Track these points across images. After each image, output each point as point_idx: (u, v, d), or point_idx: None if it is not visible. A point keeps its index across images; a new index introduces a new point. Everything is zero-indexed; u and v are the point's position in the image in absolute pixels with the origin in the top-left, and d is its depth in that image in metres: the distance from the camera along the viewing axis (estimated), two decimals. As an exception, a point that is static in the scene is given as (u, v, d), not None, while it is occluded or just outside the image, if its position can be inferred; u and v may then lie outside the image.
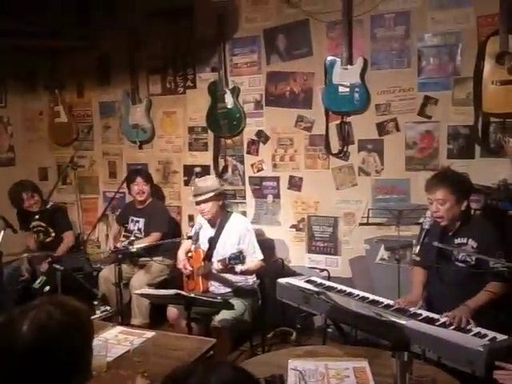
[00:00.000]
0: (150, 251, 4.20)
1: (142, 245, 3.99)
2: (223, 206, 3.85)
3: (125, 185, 4.78)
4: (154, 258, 4.26)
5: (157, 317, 4.14)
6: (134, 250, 3.71)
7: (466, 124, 3.69)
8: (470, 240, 2.93)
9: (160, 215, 4.54)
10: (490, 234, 2.93)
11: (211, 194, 3.66)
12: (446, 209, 2.90)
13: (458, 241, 2.98)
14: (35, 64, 5.54)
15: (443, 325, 2.62)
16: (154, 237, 4.35)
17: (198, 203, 3.71)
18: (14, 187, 4.72)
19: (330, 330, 3.69)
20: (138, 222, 4.57)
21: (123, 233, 4.61)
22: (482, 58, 3.46)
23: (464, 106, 3.68)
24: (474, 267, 2.88)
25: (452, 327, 2.58)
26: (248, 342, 3.91)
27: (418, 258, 3.17)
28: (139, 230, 4.54)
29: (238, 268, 3.46)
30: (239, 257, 3.32)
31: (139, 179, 4.53)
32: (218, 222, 3.77)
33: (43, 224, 4.73)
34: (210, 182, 3.78)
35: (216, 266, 3.43)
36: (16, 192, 4.68)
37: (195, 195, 3.72)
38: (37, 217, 4.62)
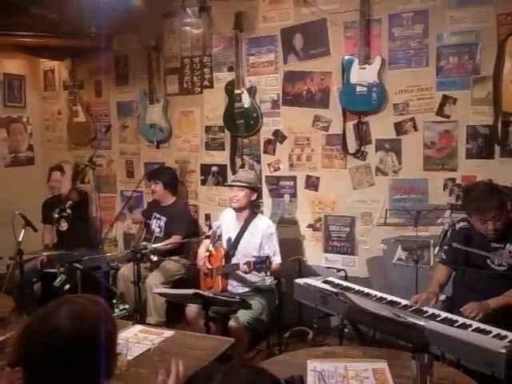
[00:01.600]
0: (169, 253, 4.25)
1: (162, 247, 4.09)
2: (253, 203, 3.92)
3: (142, 184, 4.84)
4: (171, 257, 4.29)
5: (173, 315, 4.17)
6: (155, 259, 3.77)
7: (486, 124, 3.66)
8: (508, 245, 2.92)
9: (180, 217, 4.53)
10: None
11: (249, 185, 3.79)
12: (502, 222, 2.89)
13: (495, 245, 2.96)
14: (54, 64, 5.61)
15: (463, 326, 2.59)
16: (174, 240, 4.35)
17: (232, 188, 3.84)
18: (53, 166, 5.09)
19: (346, 329, 3.68)
20: (160, 219, 4.61)
21: (144, 235, 4.65)
22: (502, 57, 3.43)
23: (483, 105, 3.65)
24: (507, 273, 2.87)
25: (471, 328, 2.56)
26: (265, 341, 3.93)
27: (437, 258, 3.19)
28: (160, 227, 4.58)
29: (262, 274, 3.59)
30: (266, 262, 3.35)
31: (152, 181, 4.63)
32: (244, 219, 3.82)
33: (70, 212, 4.71)
34: (252, 175, 4.00)
35: (242, 268, 3.45)
36: (50, 169, 5.01)
37: (234, 180, 3.88)
38: (68, 204, 4.56)
